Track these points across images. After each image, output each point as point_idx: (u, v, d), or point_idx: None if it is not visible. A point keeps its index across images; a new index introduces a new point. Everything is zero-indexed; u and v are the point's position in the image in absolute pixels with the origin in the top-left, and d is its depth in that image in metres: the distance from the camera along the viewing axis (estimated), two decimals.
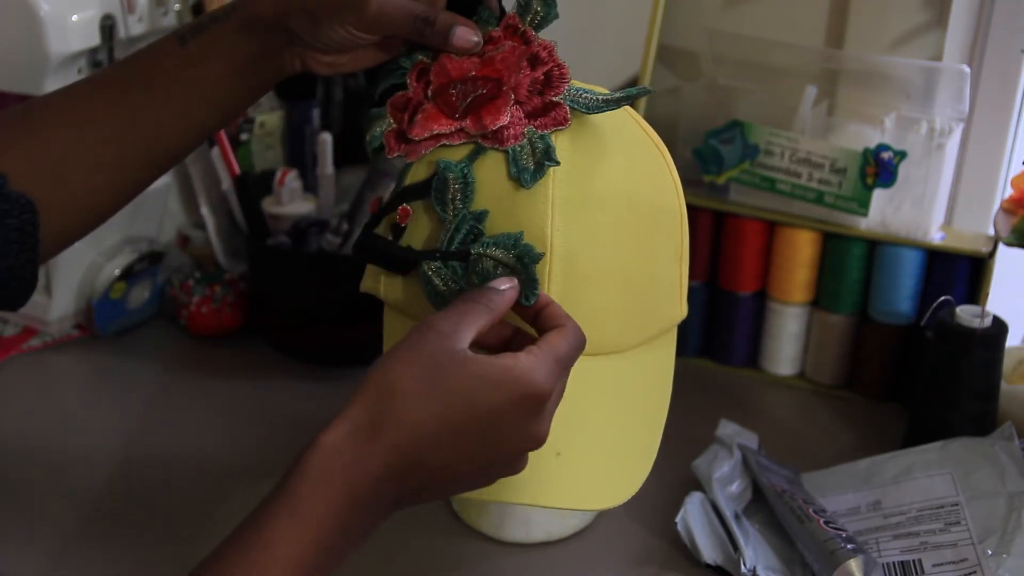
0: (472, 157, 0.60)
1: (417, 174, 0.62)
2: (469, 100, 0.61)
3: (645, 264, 0.63)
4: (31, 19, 0.90)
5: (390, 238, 0.62)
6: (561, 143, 0.60)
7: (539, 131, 0.60)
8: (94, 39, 0.95)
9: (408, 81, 0.64)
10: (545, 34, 0.63)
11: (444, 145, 0.61)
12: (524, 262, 0.58)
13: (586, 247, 0.60)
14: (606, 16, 1.07)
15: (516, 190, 0.59)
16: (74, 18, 0.93)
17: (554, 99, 0.60)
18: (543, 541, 0.76)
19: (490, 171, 0.60)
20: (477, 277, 0.59)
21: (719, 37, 0.98)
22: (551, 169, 0.59)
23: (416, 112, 0.62)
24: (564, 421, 0.58)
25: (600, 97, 0.61)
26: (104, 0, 0.95)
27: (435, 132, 0.61)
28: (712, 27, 1.01)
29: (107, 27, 0.96)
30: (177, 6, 1.04)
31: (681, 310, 0.67)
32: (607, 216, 0.61)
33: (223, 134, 0.97)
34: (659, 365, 0.66)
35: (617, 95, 0.61)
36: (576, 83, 0.62)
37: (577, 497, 0.60)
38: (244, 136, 1.05)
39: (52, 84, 0.95)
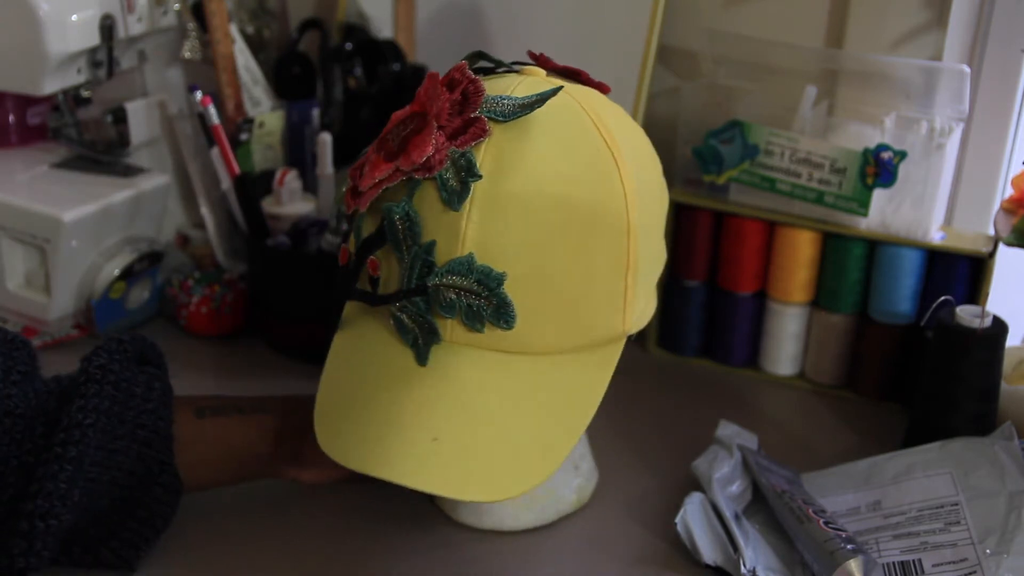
0: (411, 192, 0.62)
1: (369, 224, 0.64)
2: (400, 139, 0.63)
3: (575, 270, 0.62)
4: (30, 19, 0.90)
5: (370, 290, 0.64)
6: (486, 152, 0.61)
7: (460, 148, 0.61)
8: (93, 39, 0.95)
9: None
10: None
11: (387, 189, 0.63)
12: (489, 285, 0.60)
13: (501, 241, 0.60)
14: (606, 17, 1.07)
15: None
16: (73, 18, 0.93)
17: (473, 115, 0.62)
18: (532, 527, 0.76)
19: (429, 199, 0.61)
20: (442, 309, 0.60)
21: (719, 37, 0.98)
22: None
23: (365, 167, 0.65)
24: (449, 409, 0.60)
25: (516, 102, 0.62)
26: (104, 0, 0.95)
27: (377, 179, 0.63)
28: (712, 27, 1.01)
29: (107, 27, 0.96)
30: (177, 6, 1.04)
31: (624, 325, 0.65)
32: (530, 215, 0.61)
33: (223, 133, 0.97)
34: (589, 378, 0.64)
35: (531, 98, 0.62)
36: (501, 92, 0.63)
37: (448, 484, 0.58)
38: (244, 136, 1.05)
39: (51, 84, 0.95)
